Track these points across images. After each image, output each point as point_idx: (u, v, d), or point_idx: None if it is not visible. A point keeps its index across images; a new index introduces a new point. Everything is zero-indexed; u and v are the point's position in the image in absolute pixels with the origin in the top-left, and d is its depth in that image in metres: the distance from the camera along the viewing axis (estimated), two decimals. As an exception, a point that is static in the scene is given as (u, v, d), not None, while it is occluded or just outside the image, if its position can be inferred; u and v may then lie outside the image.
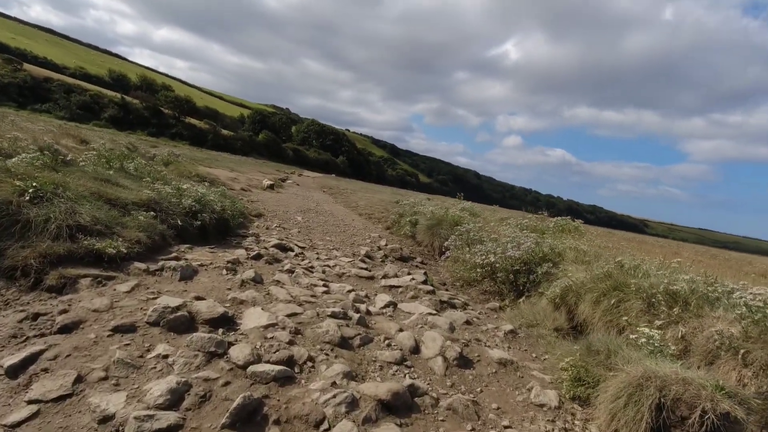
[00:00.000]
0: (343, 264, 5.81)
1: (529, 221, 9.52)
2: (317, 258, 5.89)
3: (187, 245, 4.69)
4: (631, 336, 3.60)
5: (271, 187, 15.76)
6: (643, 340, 3.42)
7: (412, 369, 3.16)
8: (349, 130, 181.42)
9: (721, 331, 3.77)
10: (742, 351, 3.49)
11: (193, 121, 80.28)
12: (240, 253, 4.93)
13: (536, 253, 6.31)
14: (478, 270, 6.45)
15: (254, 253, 5.00)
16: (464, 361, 3.40)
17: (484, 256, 6.36)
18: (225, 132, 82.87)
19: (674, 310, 4.24)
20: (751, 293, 4.00)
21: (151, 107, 75.04)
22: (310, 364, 2.83)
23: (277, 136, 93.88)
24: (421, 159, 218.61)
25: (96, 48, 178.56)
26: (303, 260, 5.50)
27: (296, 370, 2.73)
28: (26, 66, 70.33)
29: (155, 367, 2.47)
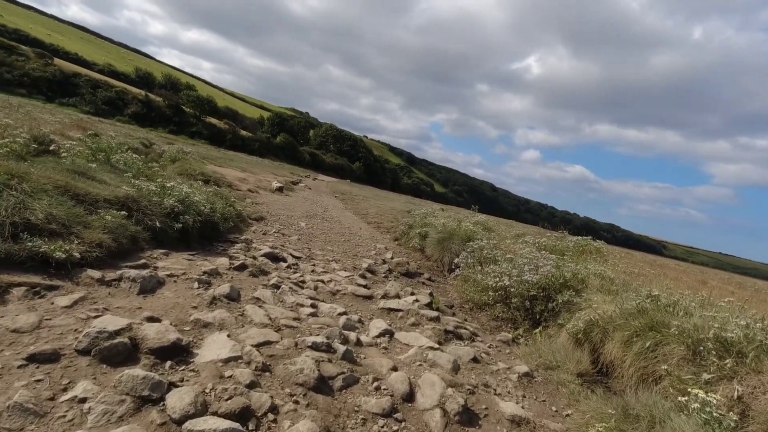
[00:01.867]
0: (340, 279, 5.21)
1: (548, 240, 8.80)
2: (312, 270, 5.31)
3: (163, 250, 4.16)
4: (681, 398, 2.90)
5: (280, 189, 15.33)
6: (696, 405, 2.74)
7: (403, 424, 2.53)
8: (366, 137, 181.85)
9: (789, 394, 3.06)
10: (821, 426, 2.78)
11: (214, 120, 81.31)
12: (222, 262, 4.38)
13: (556, 279, 5.62)
14: (490, 293, 5.78)
15: (239, 262, 4.44)
16: (468, 416, 2.76)
17: (497, 278, 5.70)
18: (244, 133, 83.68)
19: (726, 362, 3.53)
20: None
21: (174, 105, 76.28)
22: (271, 416, 2.23)
23: (295, 139, 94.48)
24: (437, 168, 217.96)
25: (125, 46, 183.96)
26: (294, 273, 4.91)
27: (251, 426, 2.13)
28: (57, 61, 72.36)
29: (64, 416, 1.90)
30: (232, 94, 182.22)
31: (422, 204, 39.73)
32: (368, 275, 6.04)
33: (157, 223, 4.23)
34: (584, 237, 9.92)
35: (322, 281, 4.85)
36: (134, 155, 6.30)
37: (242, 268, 4.35)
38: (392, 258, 7.59)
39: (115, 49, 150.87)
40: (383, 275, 6.45)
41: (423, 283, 6.98)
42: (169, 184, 4.92)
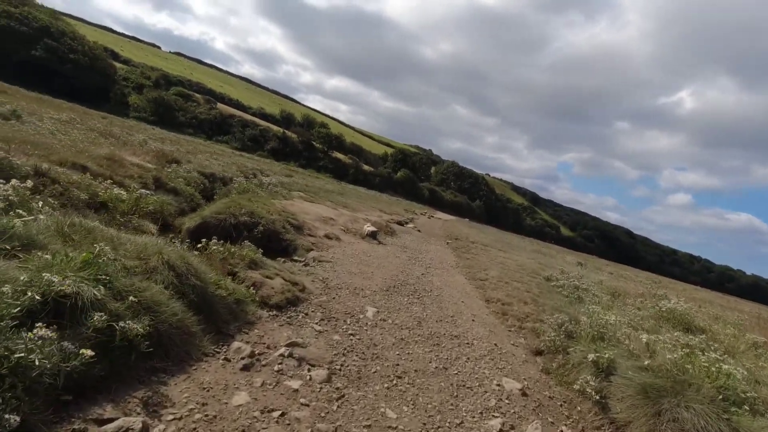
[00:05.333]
0: None
1: None
2: None
3: None
4: None
5: (372, 235, 11.88)
6: None
7: None
8: (489, 175, 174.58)
9: None
10: None
11: (339, 155, 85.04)
12: None
13: None
14: None
15: None
16: None
17: None
18: (366, 167, 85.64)
19: None
20: None
21: (305, 141, 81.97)
22: None
23: (416, 175, 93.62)
24: (564, 210, 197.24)
25: (277, 93, 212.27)
26: None
27: None
28: (219, 105, 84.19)
29: None
30: (361, 132, 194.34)
31: (551, 252, 32.64)
32: None
33: None
34: None
35: None
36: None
37: None
38: (542, 446, 3.18)
39: (268, 95, 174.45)
40: None
41: None
42: None
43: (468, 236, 23.56)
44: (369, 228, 12.20)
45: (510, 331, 5.93)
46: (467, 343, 4.95)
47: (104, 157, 8.39)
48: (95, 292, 2.34)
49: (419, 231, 19.78)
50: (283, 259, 6.87)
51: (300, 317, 4.36)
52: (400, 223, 20.13)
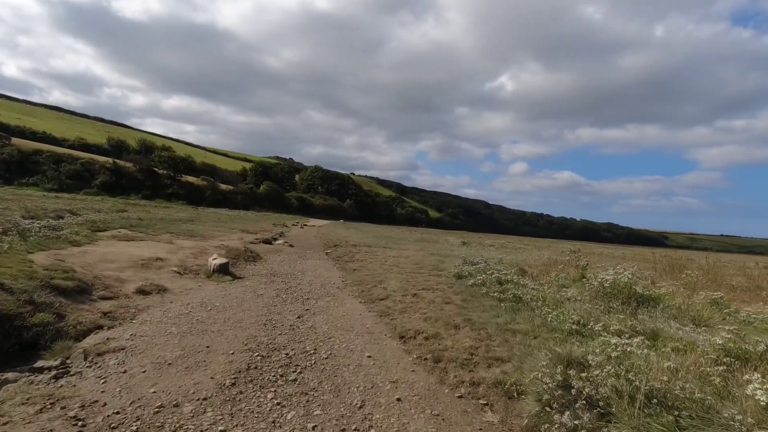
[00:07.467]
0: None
1: None
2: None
3: None
4: None
5: (222, 269, 8.47)
6: None
7: None
8: (354, 174, 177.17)
9: None
10: None
11: (191, 178, 75.24)
12: None
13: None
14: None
15: None
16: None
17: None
18: (224, 187, 77.45)
19: None
20: None
21: (145, 169, 70.40)
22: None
23: (280, 186, 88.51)
24: (429, 195, 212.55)
25: (102, 120, 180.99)
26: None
27: None
28: (15, 140, 67.15)
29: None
30: (214, 151, 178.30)
31: (433, 237, 32.63)
32: None
33: None
34: None
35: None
36: None
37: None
38: None
39: (90, 124, 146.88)
40: None
41: None
42: None
43: (347, 239, 21.20)
44: (216, 261, 8.71)
45: (461, 398, 3.47)
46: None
47: None
48: None
49: (291, 246, 16.65)
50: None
51: None
52: (267, 242, 16.68)
